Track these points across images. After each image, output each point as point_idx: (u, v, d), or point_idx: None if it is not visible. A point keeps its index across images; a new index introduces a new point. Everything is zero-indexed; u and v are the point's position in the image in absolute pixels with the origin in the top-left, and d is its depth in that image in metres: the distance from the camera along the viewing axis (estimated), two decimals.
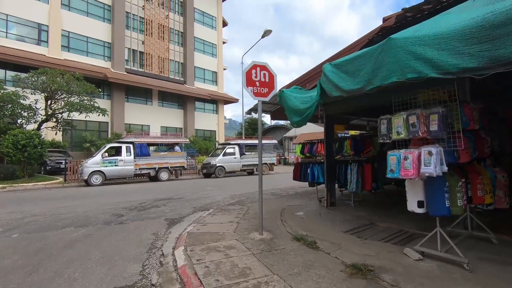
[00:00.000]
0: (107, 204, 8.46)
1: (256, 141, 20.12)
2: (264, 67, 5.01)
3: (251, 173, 19.66)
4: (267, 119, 57.17)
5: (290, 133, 34.00)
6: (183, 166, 16.54)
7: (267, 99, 5.06)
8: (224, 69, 38.26)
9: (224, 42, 38.60)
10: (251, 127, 47.10)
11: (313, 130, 30.40)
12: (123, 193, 10.88)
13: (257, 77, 4.94)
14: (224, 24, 39.67)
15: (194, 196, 9.94)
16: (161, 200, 9.11)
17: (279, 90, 5.20)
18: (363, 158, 6.41)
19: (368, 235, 4.61)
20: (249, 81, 4.91)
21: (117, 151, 14.64)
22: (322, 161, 7.30)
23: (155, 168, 15.30)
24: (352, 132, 13.11)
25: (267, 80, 5.05)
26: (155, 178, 15.59)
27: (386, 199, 7.71)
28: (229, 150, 18.03)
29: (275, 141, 20.98)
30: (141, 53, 29.01)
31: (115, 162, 13.99)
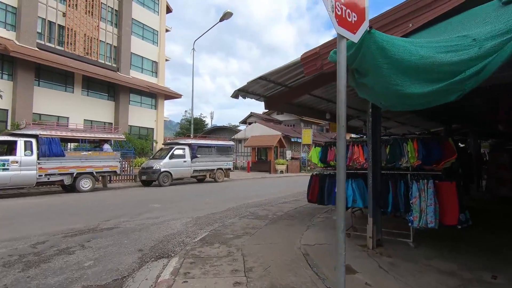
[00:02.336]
0: None
1: (213, 142, 16.86)
2: None
3: (202, 180, 16.30)
4: (208, 117, 53.55)
5: (240, 135, 31.35)
6: (115, 171, 12.35)
7: (355, 37, 2.23)
8: (167, 60, 33.74)
9: (167, 30, 34.04)
10: (187, 128, 42.65)
11: (266, 132, 28.37)
12: (7, 220, 6.65)
13: None
14: (169, 10, 35.08)
15: (135, 221, 6.41)
16: (78, 233, 5.41)
17: (368, 28, 2.39)
18: (437, 173, 4.02)
19: None
20: None
21: (9, 149, 9.87)
22: (360, 173, 4.73)
23: (71, 174, 10.87)
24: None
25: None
26: (71, 188, 11.13)
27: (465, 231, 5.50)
28: (177, 152, 14.41)
29: (232, 143, 17.98)
30: (61, 27, 22.92)
31: (3, 165, 9.25)
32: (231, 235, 5.17)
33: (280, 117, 41.43)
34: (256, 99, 5.82)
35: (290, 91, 5.59)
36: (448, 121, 8.17)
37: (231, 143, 17.91)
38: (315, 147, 5.22)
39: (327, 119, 6.89)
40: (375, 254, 4.08)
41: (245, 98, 5.69)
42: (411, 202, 4.04)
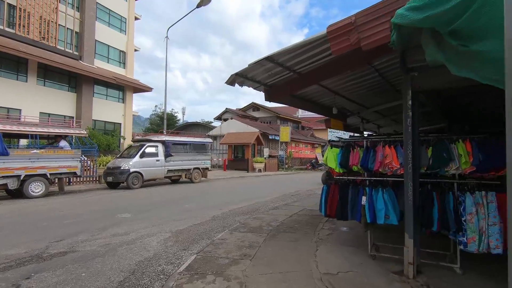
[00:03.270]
0: None
1: (189, 139, 15.42)
2: None
3: (177, 180, 14.85)
4: (179, 112, 51.26)
5: (215, 131, 29.87)
6: (75, 172, 10.59)
7: None
8: (136, 50, 31.30)
9: (136, 18, 31.53)
10: (158, 123, 40.13)
11: (243, 129, 27.22)
12: None
13: None
14: None
15: (98, 240, 5.03)
16: (15, 265, 3.97)
17: None
18: (496, 182, 3.19)
19: None
20: None
21: None
22: (391, 181, 3.80)
23: (18, 177, 9.02)
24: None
25: None
26: (18, 194, 9.28)
27: None
28: (149, 150, 12.85)
29: (209, 140, 16.63)
30: (12, 6, 20.04)
31: None
32: (226, 260, 4.04)
33: (256, 114, 40.46)
34: (254, 88, 4.71)
35: (297, 79, 4.55)
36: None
37: (209, 140, 16.56)
38: (331, 148, 4.20)
39: (334, 114, 5.96)
40: (420, 287, 3.17)
41: (242, 85, 4.56)
42: (463, 219, 3.17)
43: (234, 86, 4.37)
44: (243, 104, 43.49)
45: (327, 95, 5.66)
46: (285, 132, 28.32)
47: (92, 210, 7.71)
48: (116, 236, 5.31)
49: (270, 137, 28.08)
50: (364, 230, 4.00)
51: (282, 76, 4.51)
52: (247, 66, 4.00)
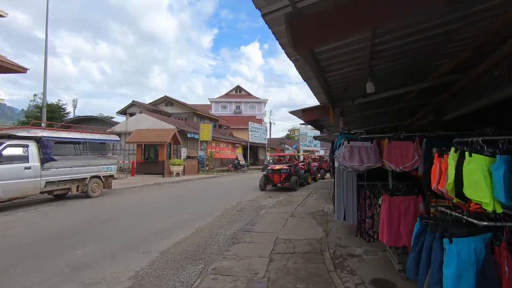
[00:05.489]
0: None
1: (85, 135, 10.83)
2: None
3: (63, 196, 10.23)
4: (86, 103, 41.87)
5: (119, 128, 24.30)
6: None
7: None
8: (1, 16, 22.90)
9: None
10: (37, 116, 30.98)
11: (157, 125, 22.83)
12: None
13: None
14: None
15: None
16: None
17: None
18: None
19: None
20: None
21: None
22: None
23: None
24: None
25: None
26: None
27: None
28: (11, 152, 8.07)
29: (116, 138, 12.23)
30: None
31: None
32: None
33: (169, 109, 35.82)
34: (282, 7, 1.96)
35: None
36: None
37: (114, 137, 12.21)
38: (471, 156, 1.87)
39: (368, 93, 3.64)
40: None
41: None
42: None
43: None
44: (149, 100, 37.79)
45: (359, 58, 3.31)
46: (206, 130, 25.29)
47: None
48: None
49: (188, 136, 24.55)
50: None
51: None
52: None
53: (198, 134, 25.05)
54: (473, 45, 3.48)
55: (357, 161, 3.61)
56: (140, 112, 25.70)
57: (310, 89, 4.18)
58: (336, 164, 4.56)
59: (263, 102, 57.55)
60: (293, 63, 3.11)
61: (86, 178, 10.20)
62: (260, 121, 48.38)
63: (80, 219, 7.24)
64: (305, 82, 3.81)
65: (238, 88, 58.42)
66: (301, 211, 8.16)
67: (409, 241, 3.35)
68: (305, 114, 5.70)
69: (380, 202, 3.75)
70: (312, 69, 3.12)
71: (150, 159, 22.19)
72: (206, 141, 25.68)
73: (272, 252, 4.69)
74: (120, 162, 15.87)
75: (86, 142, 10.64)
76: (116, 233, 5.93)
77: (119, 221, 7.03)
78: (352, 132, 6.14)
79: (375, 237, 3.77)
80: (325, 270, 3.90)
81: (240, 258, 4.43)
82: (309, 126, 60.91)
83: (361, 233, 4.01)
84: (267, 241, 5.33)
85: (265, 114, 55.87)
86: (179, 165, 20.53)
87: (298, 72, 3.38)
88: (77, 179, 9.96)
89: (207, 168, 25.06)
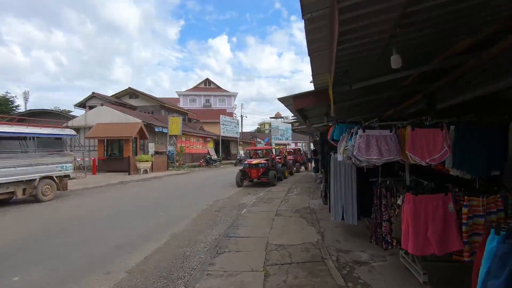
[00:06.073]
0: None
1: (32, 130, 9.24)
2: None
3: (8, 200, 8.66)
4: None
5: (77, 122, 22.01)
6: None
7: None
8: None
9: None
10: None
11: (120, 119, 20.97)
12: None
13: None
14: None
15: None
16: None
17: None
18: None
19: None
20: None
21: None
22: None
23: None
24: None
25: None
26: None
27: None
28: None
29: (72, 132, 10.65)
30: None
31: None
32: None
33: (134, 102, 33.49)
34: None
35: None
36: None
37: (71, 132, 10.64)
38: None
39: (395, 68, 2.92)
40: None
41: None
42: None
43: None
44: (112, 93, 34.92)
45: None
46: (175, 124, 23.84)
47: None
48: None
49: (156, 130, 22.96)
50: None
51: None
52: None
53: (166, 128, 23.53)
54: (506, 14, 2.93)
55: (376, 154, 2.96)
56: (102, 105, 23.53)
57: (312, 68, 3.46)
58: (339, 158, 3.89)
59: (233, 96, 56.41)
60: (305, 26, 2.34)
61: (35, 179, 8.71)
62: (231, 114, 47.31)
63: (23, 231, 5.95)
64: (305, 62, 3.09)
65: (207, 81, 56.68)
66: (286, 208, 7.51)
67: (439, 248, 2.79)
68: (296, 101, 4.99)
69: (399, 202, 3.14)
70: (329, 35, 2.38)
71: (114, 156, 20.39)
72: (176, 136, 24.23)
73: (265, 263, 3.95)
74: (79, 159, 14.14)
75: (34, 137, 9.07)
76: (69, 249, 4.82)
77: (74, 232, 5.87)
78: (348, 122, 5.55)
79: (394, 243, 3.17)
80: (334, 285, 3.24)
81: (228, 275, 3.63)
82: (280, 120, 60.82)
83: (376, 240, 3.41)
84: (256, 248, 4.58)
85: (235, 108, 54.85)
86: (147, 161, 19.02)
87: (307, 40, 2.63)
88: (23, 181, 8.45)
89: (177, 164, 23.68)
